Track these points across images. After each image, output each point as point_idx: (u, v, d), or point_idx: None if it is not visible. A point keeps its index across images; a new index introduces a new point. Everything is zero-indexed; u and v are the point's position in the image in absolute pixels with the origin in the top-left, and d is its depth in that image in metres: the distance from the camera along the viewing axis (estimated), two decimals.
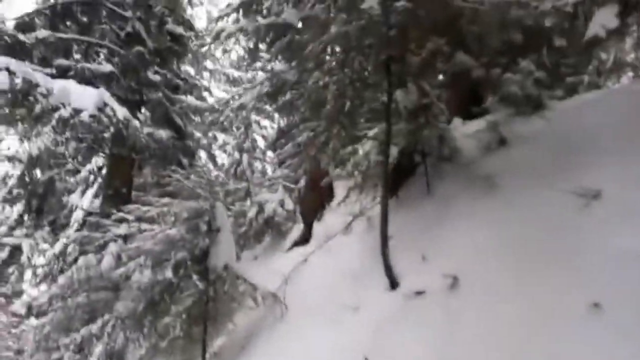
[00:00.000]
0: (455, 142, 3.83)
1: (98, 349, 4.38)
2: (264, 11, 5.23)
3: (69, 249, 11.08)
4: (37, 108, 6.28)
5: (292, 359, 3.32)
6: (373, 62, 2.98)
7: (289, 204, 8.17)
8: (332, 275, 4.08)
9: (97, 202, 11.35)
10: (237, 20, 5.47)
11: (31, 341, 8.09)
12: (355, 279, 3.67)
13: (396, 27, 2.72)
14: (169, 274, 4.15)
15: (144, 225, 5.58)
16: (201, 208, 4.81)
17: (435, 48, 2.85)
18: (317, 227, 6.46)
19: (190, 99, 11.14)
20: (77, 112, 6.22)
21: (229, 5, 6.56)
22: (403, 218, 3.59)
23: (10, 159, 14.14)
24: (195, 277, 4.25)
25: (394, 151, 4.08)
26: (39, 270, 18.80)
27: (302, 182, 7.81)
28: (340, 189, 6.67)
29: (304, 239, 7.17)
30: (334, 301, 3.55)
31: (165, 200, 4.89)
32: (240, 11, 5.51)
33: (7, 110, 7.67)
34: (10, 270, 14.30)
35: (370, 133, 4.12)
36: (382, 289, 3.24)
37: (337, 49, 3.11)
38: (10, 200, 14.22)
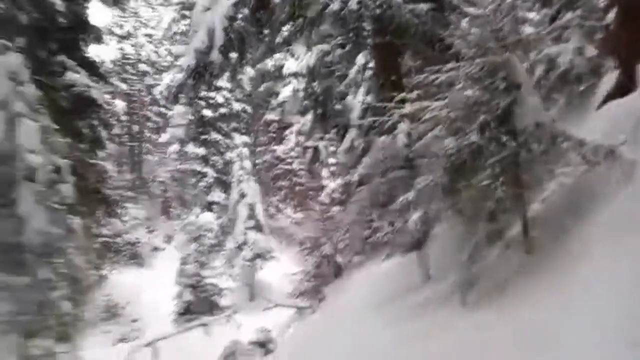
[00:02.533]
0: None
1: (414, 216, 4.68)
2: None
3: (356, 142, 12.52)
4: (312, 9, 6.75)
5: None
6: None
7: (591, 51, 6.45)
8: None
9: (370, 98, 12.14)
10: None
11: (346, 218, 9.83)
12: None
13: None
14: (474, 137, 3.84)
15: (426, 103, 5.34)
16: (494, 63, 4.18)
17: None
18: None
19: None
20: (345, 3, 6.34)
21: None
22: None
23: (295, 75, 16.67)
24: (504, 138, 3.79)
25: None
26: (332, 168, 22.42)
27: (612, 17, 5.90)
28: None
29: (622, 89, 5.55)
30: None
31: (451, 64, 4.47)
32: None
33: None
34: (317, 165, 17.59)
35: None
36: None
37: None
38: (303, 112, 17.08)
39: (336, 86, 15.89)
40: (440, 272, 5.17)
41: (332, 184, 21.65)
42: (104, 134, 16.78)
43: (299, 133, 17.76)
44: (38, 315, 6.90)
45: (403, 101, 6.48)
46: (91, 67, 12.88)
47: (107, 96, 18.05)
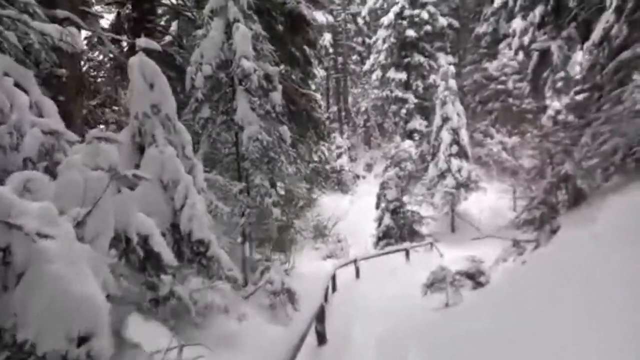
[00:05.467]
0: None
1: None
2: None
3: (614, 30, 9.13)
4: None
5: None
6: None
7: None
8: None
9: None
10: None
11: (599, 128, 7.25)
12: None
13: None
14: None
15: None
16: None
17: None
18: None
19: None
20: None
21: None
22: None
23: None
24: None
25: None
26: (559, 84, 18.10)
27: None
28: None
29: None
30: None
31: None
32: None
33: None
34: (545, 74, 14.19)
35: None
36: None
37: None
38: (529, 7, 13.67)
39: None
40: None
41: (556, 104, 17.87)
42: (315, 62, 17.08)
43: (524, 32, 14.20)
44: (254, 219, 7.35)
45: None
46: None
47: (315, 21, 18.09)
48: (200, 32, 7.07)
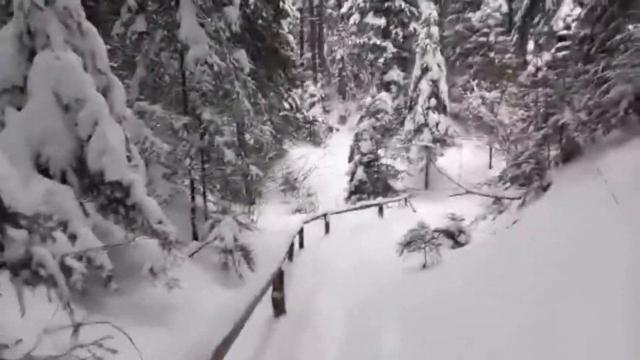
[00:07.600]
0: None
1: None
2: None
3: None
4: None
5: None
6: None
7: None
8: None
9: None
10: None
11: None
12: None
13: None
14: None
15: None
16: None
17: None
18: None
19: None
20: None
21: None
22: None
23: None
24: None
25: None
26: (542, 40, 17.25)
27: None
28: None
29: None
30: None
31: None
32: None
33: None
34: (537, 19, 13.21)
35: None
36: None
37: None
38: None
39: None
40: None
41: (537, 60, 17.15)
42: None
43: None
44: (198, 161, 6.19)
45: None
46: None
47: None
48: None
